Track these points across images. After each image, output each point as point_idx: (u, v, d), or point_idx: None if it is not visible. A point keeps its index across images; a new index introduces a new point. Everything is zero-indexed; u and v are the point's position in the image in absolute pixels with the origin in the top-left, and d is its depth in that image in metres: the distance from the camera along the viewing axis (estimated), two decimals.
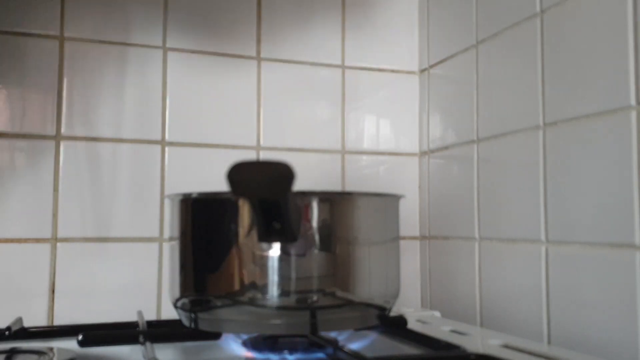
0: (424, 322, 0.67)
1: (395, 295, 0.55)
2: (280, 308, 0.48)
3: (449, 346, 0.51)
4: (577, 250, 0.57)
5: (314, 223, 0.49)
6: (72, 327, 0.60)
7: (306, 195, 0.49)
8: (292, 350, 0.53)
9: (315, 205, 0.49)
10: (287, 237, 0.46)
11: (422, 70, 0.86)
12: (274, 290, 0.48)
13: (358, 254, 0.51)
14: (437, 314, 0.75)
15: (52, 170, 0.70)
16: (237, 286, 0.48)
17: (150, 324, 0.60)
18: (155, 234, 0.74)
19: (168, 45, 0.76)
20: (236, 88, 0.79)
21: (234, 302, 0.48)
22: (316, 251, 0.49)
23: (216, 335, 0.55)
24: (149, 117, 0.75)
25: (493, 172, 0.70)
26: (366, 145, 0.84)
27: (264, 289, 0.48)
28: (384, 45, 0.86)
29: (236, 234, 0.49)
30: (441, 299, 0.80)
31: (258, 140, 0.79)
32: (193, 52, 0.77)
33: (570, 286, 0.58)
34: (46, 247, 0.70)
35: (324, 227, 0.49)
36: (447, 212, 0.79)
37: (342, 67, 0.84)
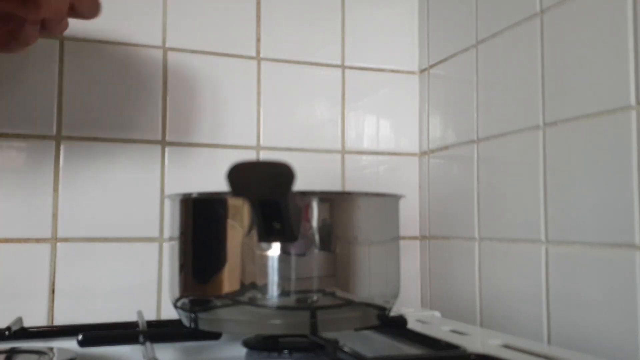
0: (424, 322, 0.66)
1: (395, 295, 0.55)
2: (280, 308, 0.48)
3: (449, 346, 0.51)
4: (577, 250, 0.57)
5: (314, 223, 0.49)
6: (72, 327, 0.60)
7: (306, 195, 0.49)
8: (292, 350, 0.53)
9: (315, 205, 0.49)
10: (287, 237, 0.46)
11: (422, 70, 0.86)
12: (274, 290, 0.48)
13: (358, 254, 0.51)
14: (437, 314, 0.74)
15: (52, 170, 0.70)
16: (237, 286, 0.48)
17: (150, 324, 0.60)
18: (155, 234, 0.74)
19: (168, 45, 0.76)
20: (236, 88, 0.79)
21: (234, 302, 0.48)
22: (316, 251, 0.49)
23: (216, 335, 0.55)
24: (148, 117, 0.75)
25: (493, 172, 0.70)
26: (366, 145, 0.84)
27: (264, 289, 0.48)
28: (384, 45, 0.86)
29: (236, 234, 0.49)
30: (441, 299, 0.80)
31: (258, 140, 0.79)
32: (193, 52, 0.77)
33: (570, 286, 0.58)
34: (46, 247, 0.70)
35: (324, 227, 0.49)
36: (447, 212, 0.79)
37: (342, 67, 0.84)
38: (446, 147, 0.79)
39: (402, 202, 0.57)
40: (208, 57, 0.78)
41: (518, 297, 0.65)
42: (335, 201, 0.50)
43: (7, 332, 0.57)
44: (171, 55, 0.76)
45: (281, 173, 0.39)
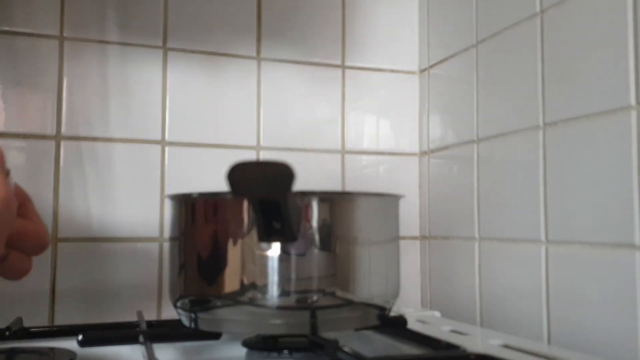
0: (424, 322, 0.66)
1: (395, 295, 0.55)
2: (280, 308, 0.48)
3: (449, 346, 0.51)
4: (577, 250, 0.57)
5: (314, 223, 0.49)
6: (72, 327, 0.60)
7: (306, 195, 0.49)
8: (292, 350, 0.53)
9: (315, 205, 0.49)
10: (287, 237, 0.46)
11: (422, 70, 0.86)
12: (274, 290, 0.48)
13: (358, 254, 0.51)
14: (437, 314, 0.75)
15: (52, 170, 0.70)
16: (237, 286, 0.48)
17: (150, 324, 0.60)
18: (155, 234, 0.74)
19: (168, 45, 0.76)
20: (236, 88, 0.79)
21: (234, 302, 0.48)
22: (316, 251, 0.49)
23: (216, 335, 0.55)
24: (149, 117, 0.75)
25: (493, 172, 0.70)
26: (366, 145, 0.84)
27: (264, 289, 0.48)
28: (384, 45, 0.86)
29: (236, 234, 0.49)
30: (441, 299, 0.80)
31: (258, 140, 0.79)
32: (193, 52, 0.77)
33: (570, 286, 0.58)
34: None
35: (324, 227, 0.49)
36: (447, 212, 0.79)
37: (342, 67, 0.84)
38: (446, 147, 0.79)
39: (402, 202, 0.57)
40: (208, 57, 0.78)
41: (518, 297, 0.65)
42: (335, 201, 0.50)
43: (7, 332, 0.57)
44: (171, 55, 0.76)
45: (281, 173, 0.39)
